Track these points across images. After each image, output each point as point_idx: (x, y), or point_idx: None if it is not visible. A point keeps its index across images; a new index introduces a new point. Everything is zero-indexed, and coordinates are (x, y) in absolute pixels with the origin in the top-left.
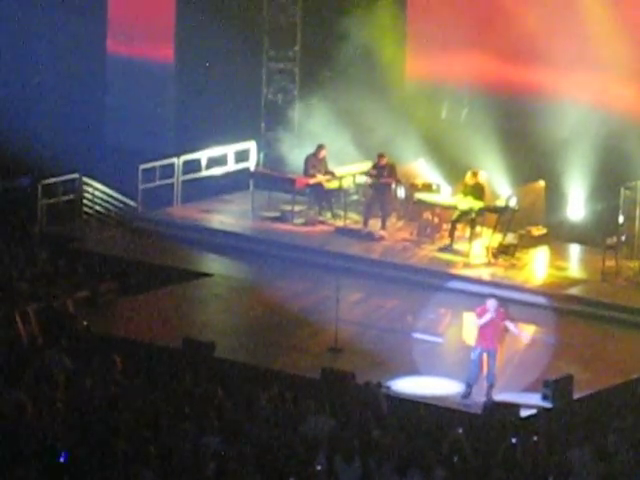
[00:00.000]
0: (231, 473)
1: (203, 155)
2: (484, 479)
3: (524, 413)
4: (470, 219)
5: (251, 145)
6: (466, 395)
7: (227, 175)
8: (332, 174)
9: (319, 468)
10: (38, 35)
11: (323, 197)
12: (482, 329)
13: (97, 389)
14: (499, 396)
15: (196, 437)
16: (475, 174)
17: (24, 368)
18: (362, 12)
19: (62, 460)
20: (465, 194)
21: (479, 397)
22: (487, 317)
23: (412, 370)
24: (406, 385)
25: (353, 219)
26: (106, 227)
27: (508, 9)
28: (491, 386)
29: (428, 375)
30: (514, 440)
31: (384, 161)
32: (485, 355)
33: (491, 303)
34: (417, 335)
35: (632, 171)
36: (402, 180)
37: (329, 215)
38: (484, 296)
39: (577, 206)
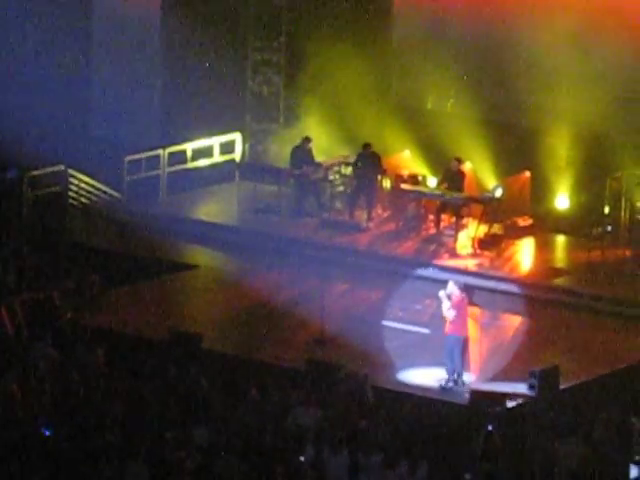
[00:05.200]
0: (218, 464)
1: (189, 147)
2: (469, 469)
3: (510, 404)
4: (454, 209)
5: (237, 137)
6: (450, 386)
7: (213, 167)
8: (318, 165)
9: (302, 459)
10: (23, 29)
11: (309, 188)
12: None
13: (83, 381)
14: (485, 386)
15: (183, 428)
16: (460, 162)
17: (10, 360)
18: (348, 4)
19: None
20: (443, 181)
21: (465, 388)
22: (446, 304)
23: (398, 361)
24: (392, 376)
25: (339, 210)
26: (92, 219)
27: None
28: (458, 374)
29: (414, 366)
30: (490, 427)
31: (369, 151)
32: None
33: (450, 286)
34: (403, 326)
35: (617, 162)
36: (388, 171)
37: (315, 206)
38: (470, 286)
39: (563, 197)
